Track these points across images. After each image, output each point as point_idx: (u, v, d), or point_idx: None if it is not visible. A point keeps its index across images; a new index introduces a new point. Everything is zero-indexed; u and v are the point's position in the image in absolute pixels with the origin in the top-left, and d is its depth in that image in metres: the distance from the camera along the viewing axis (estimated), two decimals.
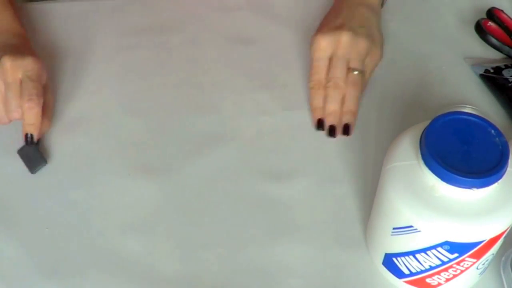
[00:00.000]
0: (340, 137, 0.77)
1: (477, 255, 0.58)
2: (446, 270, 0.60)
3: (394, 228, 0.59)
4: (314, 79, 0.78)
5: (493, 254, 0.61)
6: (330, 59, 0.77)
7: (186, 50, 0.86)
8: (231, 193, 0.72)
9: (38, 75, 0.74)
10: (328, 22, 0.80)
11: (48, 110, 0.76)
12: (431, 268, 0.60)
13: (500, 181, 0.55)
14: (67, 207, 0.71)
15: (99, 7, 0.92)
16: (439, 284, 0.62)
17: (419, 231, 0.57)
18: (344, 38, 0.76)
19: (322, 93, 0.77)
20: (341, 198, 0.72)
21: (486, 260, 0.61)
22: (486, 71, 0.83)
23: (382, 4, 0.84)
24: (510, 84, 0.81)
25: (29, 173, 0.73)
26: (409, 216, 0.57)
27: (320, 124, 0.77)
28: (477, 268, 0.61)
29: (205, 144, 0.76)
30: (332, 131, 0.76)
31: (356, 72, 0.76)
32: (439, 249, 0.57)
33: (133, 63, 0.85)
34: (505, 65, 0.83)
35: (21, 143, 0.74)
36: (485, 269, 0.63)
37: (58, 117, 0.79)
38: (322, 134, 0.77)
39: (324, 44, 0.77)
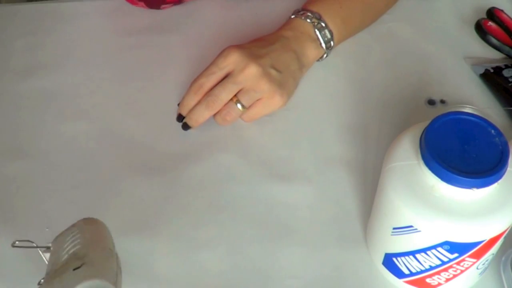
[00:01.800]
0: (340, 137, 0.77)
1: (477, 255, 0.58)
2: (446, 270, 0.60)
3: (394, 228, 0.59)
4: (199, 82, 0.75)
5: (493, 254, 0.61)
6: (226, 76, 0.74)
7: (186, 50, 0.86)
8: (231, 193, 0.72)
9: None
10: (257, 44, 0.77)
11: None
12: (431, 268, 0.60)
13: (500, 181, 0.55)
14: (67, 207, 0.71)
15: (99, 7, 0.92)
16: (439, 284, 0.62)
17: (419, 231, 0.57)
18: (253, 70, 0.73)
19: (197, 98, 0.75)
20: (341, 198, 0.72)
21: (486, 260, 0.61)
22: (486, 71, 0.83)
23: (321, 58, 0.83)
24: (510, 84, 0.81)
25: (29, 173, 0.73)
26: (409, 216, 0.57)
27: (179, 119, 0.76)
28: (477, 268, 0.61)
29: (205, 144, 0.76)
30: (185, 127, 0.76)
31: (239, 105, 0.74)
32: (439, 249, 0.57)
33: (133, 63, 0.85)
34: (505, 65, 0.83)
35: None
36: (485, 269, 0.63)
37: (58, 117, 0.79)
38: (322, 134, 0.78)
39: (233, 60, 0.74)
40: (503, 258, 0.64)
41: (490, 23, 0.86)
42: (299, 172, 0.74)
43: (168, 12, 0.91)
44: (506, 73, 0.82)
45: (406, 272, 0.62)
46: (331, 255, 0.67)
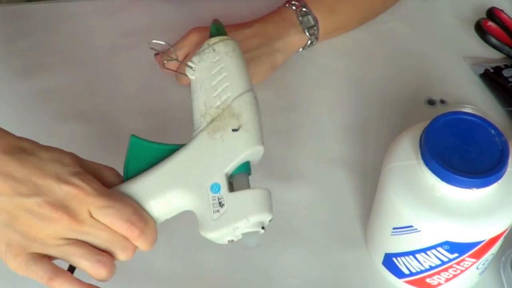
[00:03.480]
0: (340, 137, 0.77)
1: (477, 255, 0.58)
2: (446, 270, 0.60)
3: (394, 228, 0.59)
4: (160, 62, 0.79)
5: (493, 254, 0.61)
6: (188, 53, 0.78)
7: None
8: None
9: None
10: (227, 28, 0.79)
11: None
12: (431, 268, 0.60)
13: (500, 181, 0.55)
14: None
15: (99, 7, 0.92)
16: (439, 284, 0.62)
17: (419, 231, 0.57)
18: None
19: None
20: (341, 198, 0.72)
21: (486, 260, 0.61)
22: (486, 71, 0.83)
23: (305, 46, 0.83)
24: (510, 84, 0.81)
25: None
26: (409, 216, 0.57)
27: None
28: (477, 268, 0.61)
29: None
30: None
31: None
32: (439, 249, 0.57)
33: (133, 63, 0.85)
34: (505, 65, 0.83)
35: None
36: (485, 269, 0.63)
37: (58, 117, 0.79)
38: (322, 134, 0.78)
39: (191, 41, 0.78)
40: (503, 258, 0.64)
41: (490, 23, 0.86)
42: (299, 172, 0.74)
43: (168, 12, 0.91)
44: (506, 73, 0.82)
45: (406, 272, 0.62)
46: (331, 255, 0.67)
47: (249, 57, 0.77)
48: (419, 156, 0.56)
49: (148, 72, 0.84)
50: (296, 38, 0.82)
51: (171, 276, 0.66)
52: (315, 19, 0.82)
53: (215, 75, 0.56)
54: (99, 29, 0.89)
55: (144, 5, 0.92)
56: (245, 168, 0.55)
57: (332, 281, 0.66)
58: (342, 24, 0.86)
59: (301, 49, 0.83)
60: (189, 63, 0.57)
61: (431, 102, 0.80)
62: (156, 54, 0.82)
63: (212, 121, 0.55)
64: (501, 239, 0.59)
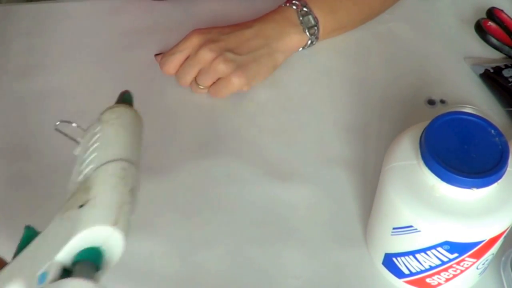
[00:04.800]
0: (340, 137, 0.77)
1: (477, 255, 0.58)
2: (446, 270, 0.60)
3: (394, 228, 0.59)
4: (161, 62, 0.80)
5: (493, 254, 0.61)
6: (189, 55, 0.79)
7: None
8: (231, 193, 0.72)
9: None
10: (225, 30, 0.79)
11: None
12: (431, 268, 0.60)
13: (500, 181, 0.55)
14: None
15: (99, 7, 0.92)
16: (439, 284, 0.62)
17: (419, 231, 0.57)
18: (203, 54, 0.77)
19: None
20: (341, 198, 0.72)
21: (486, 260, 0.61)
22: (486, 71, 0.83)
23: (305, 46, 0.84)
24: (510, 84, 0.81)
25: (29, 173, 0.73)
26: (409, 216, 0.57)
27: None
28: (477, 268, 0.61)
29: (205, 144, 0.76)
30: None
31: (201, 87, 0.79)
32: (439, 249, 0.57)
33: (133, 63, 0.85)
34: (505, 65, 0.83)
35: None
36: (485, 269, 0.63)
37: (58, 117, 0.79)
38: (322, 134, 0.78)
39: (190, 44, 0.78)
40: (503, 258, 0.64)
41: (490, 23, 0.86)
42: (299, 172, 0.74)
43: (168, 12, 0.91)
44: (506, 73, 0.82)
45: (406, 272, 0.62)
46: (331, 255, 0.67)
47: (250, 58, 0.78)
48: (419, 156, 0.56)
49: (148, 72, 0.84)
50: (297, 38, 0.82)
51: (171, 276, 0.66)
52: (315, 19, 0.82)
53: (90, 146, 0.49)
54: (99, 29, 0.89)
55: (144, 5, 0.92)
56: (93, 257, 0.44)
57: (332, 281, 0.66)
58: (342, 24, 0.86)
59: (301, 49, 0.84)
60: (78, 139, 0.51)
61: (431, 102, 0.80)
62: (156, 55, 0.82)
63: (69, 199, 0.46)
64: (501, 239, 0.59)
